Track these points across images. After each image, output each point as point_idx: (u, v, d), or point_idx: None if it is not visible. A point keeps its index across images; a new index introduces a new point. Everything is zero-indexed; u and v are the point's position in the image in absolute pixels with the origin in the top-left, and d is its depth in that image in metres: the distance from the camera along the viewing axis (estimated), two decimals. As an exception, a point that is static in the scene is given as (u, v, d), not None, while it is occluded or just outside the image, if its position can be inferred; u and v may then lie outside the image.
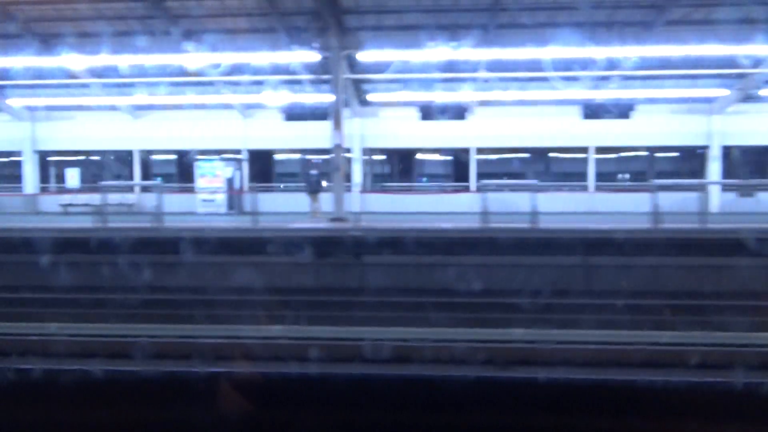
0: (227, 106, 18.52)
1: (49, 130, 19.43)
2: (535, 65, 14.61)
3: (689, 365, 4.99)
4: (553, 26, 13.33)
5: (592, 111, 17.55)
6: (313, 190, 15.21)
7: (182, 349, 5.51)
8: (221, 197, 17.39)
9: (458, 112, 17.37)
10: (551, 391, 1.87)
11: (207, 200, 17.33)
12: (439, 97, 17.49)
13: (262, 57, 14.04)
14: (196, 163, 18.17)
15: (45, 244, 8.92)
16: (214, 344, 5.70)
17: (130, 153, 19.77)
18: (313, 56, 13.52)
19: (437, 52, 13.59)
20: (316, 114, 16.54)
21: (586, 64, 14.59)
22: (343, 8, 12.91)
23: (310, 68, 14.53)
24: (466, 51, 13.56)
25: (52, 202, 18.94)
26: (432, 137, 18.54)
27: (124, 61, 14.32)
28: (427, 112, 17.10)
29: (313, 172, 15.94)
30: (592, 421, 1.65)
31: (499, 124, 18.10)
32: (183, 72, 15.20)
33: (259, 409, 1.72)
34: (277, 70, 14.99)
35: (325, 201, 14.62)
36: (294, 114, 17.51)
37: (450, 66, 15.15)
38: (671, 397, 1.82)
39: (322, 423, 1.65)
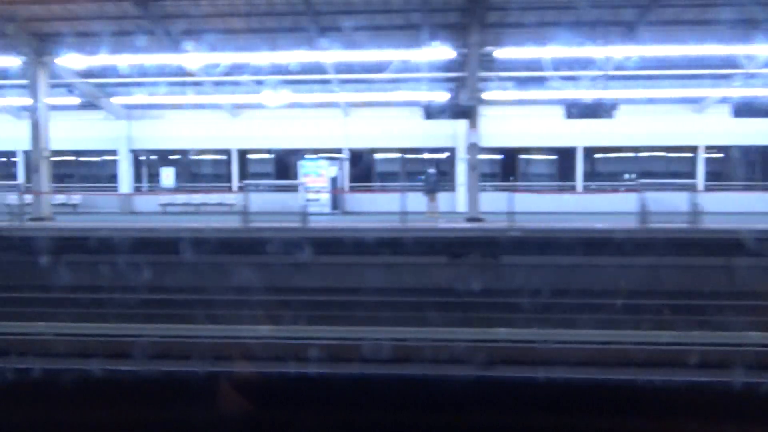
0: (327, 105, 18.46)
1: (144, 129, 19.41)
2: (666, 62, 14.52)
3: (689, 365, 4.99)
4: (704, 23, 13.01)
5: (746, 109, 16.93)
6: (431, 189, 14.98)
7: (183, 349, 5.51)
8: (326, 197, 17.28)
9: (605, 110, 16.64)
10: (551, 391, 1.87)
11: (311, 200, 17.13)
12: (566, 94, 17.15)
13: (386, 54, 13.92)
14: (299, 163, 18.19)
15: (219, 246, 9.04)
16: (214, 344, 5.70)
17: (227, 152, 19.73)
18: (446, 53, 13.46)
19: (575, 49, 13.45)
20: (456, 112, 16.10)
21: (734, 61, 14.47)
22: (489, 4, 12.66)
23: (438, 65, 14.51)
24: (606, 48, 13.51)
25: (147, 202, 18.91)
26: (537, 136, 18.34)
27: (227, 58, 14.29)
28: (573, 110, 16.57)
29: (431, 171, 15.83)
30: (592, 421, 1.64)
31: (608, 124, 17.63)
32: (286, 70, 15.03)
33: (259, 409, 1.71)
34: (389, 67, 14.90)
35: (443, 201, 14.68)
36: (434, 112, 16.95)
37: (576, 63, 14.95)
38: (671, 397, 1.82)
39: (322, 423, 1.65)
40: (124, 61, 14.28)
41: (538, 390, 1.85)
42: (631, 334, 6.36)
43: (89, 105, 18.21)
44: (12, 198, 17.41)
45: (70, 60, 14.27)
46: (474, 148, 13.21)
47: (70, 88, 16.82)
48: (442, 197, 15.95)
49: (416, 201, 15.09)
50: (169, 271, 9.21)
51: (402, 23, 13.42)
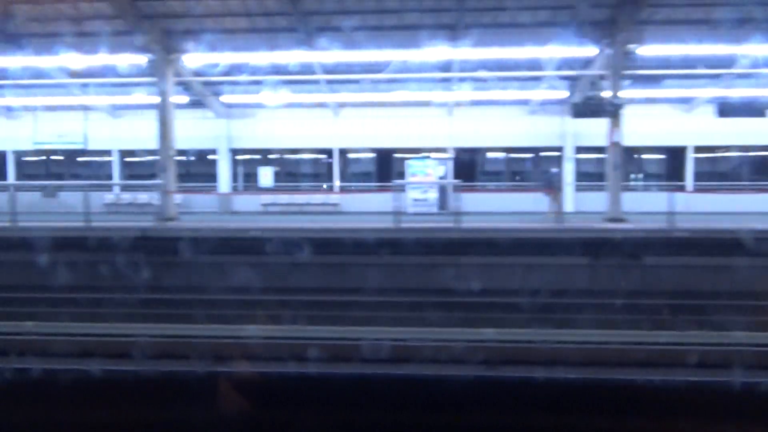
0: (432, 103, 18.29)
1: (244, 128, 19.32)
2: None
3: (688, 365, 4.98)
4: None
5: None
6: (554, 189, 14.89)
7: (183, 349, 5.50)
8: (433, 196, 17.12)
9: (758, 109, 15.80)
10: (550, 391, 1.87)
11: (419, 200, 17.06)
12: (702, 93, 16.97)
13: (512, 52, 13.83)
14: (406, 162, 18.10)
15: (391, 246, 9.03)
16: (214, 344, 5.69)
17: (328, 151, 19.58)
18: (587, 51, 13.44)
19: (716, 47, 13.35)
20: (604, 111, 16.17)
21: None
22: (644, 1, 12.45)
23: (560, 63, 14.54)
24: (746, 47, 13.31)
25: (246, 201, 18.75)
26: (647, 135, 18.00)
27: (337, 56, 14.15)
28: (725, 109, 15.87)
29: (553, 170, 15.79)
30: (592, 421, 1.65)
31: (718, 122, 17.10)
32: (390, 68, 14.82)
33: (259, 408, 1.72)
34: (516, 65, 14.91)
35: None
36: (581, 110, 15.99)
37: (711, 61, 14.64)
38: (670, 397, 1.82)
39: (322, 423, 1.65)
40: (249, 59, 14.10)
41: (537, 390, 1.85)
42: (630, 333, 6.37)
43: (195, 103, 18.25)
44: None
45: (197, 58, 14.13)
46: (617, 147, 12.95)
47: (185, 86, 16.87)
48: (539, 196, 15.82)
49: (520, 200, 15.37)
50: (366, 271, 9.21)
51: (540, 20, 13.21)
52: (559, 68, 15.32)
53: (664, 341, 5.77)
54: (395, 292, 8.53)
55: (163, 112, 13.77)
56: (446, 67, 15.28)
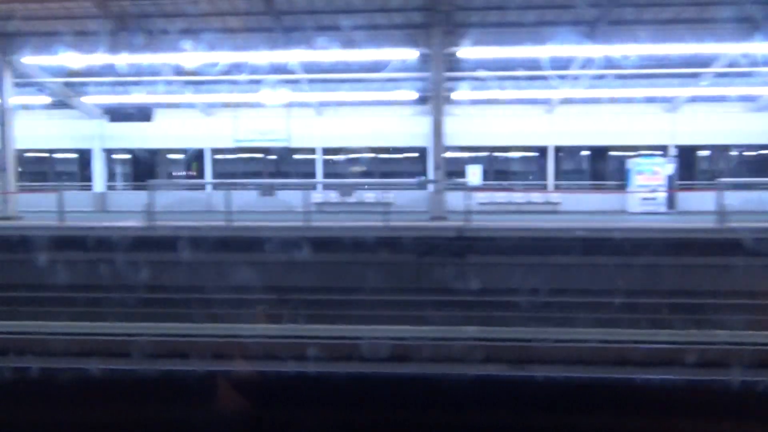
0: (647, 100, 18.11)
1: (450, 125, 19.17)
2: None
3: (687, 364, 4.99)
4: None
5: None
6: None
7: (182, 348, 5.50)
8: (662, 195, 17.08)
9: None
10: (550, 390, 1.87)
11: (647, 199, 17.00)
12: None
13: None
14: (628, 160, 18.02)
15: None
16: (213, 343, 5.69)
17: (541, 149, 19.27)
18: None
19: None
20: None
21: None
22: None
23: None
24: None
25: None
26: None
27: (550, 51, 13.90)
28: None
29: None
30: (591, 420, 1.65)
31: None
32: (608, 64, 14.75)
33: (258, 408, 1.72)
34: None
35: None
36: None
37: None
38: (670, 396, 1.82)
39: (321, 422, 1.65)
40: (515, 53, 13.90)
41: (537, 389, 1.85)
42: (629, 332, 6.37)
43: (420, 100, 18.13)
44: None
45: (471, 52, 13.65)
46: None
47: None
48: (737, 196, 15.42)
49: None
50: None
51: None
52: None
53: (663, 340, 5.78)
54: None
55: (436, 108, 13.33)
56: (667, 62, 15.06)
